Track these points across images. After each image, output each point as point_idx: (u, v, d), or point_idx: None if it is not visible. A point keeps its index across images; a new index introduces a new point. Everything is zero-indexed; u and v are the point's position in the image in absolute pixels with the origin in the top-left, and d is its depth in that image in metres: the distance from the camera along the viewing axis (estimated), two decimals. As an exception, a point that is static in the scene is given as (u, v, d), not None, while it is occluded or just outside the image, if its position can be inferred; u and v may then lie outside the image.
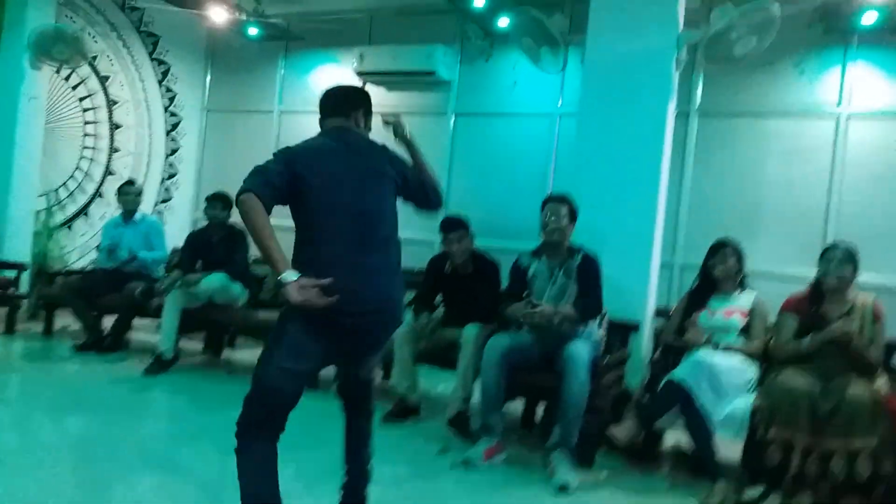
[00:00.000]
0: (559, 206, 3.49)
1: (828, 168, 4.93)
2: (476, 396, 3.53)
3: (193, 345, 5.26)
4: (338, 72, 6.56)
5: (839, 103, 4.92)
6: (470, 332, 3.69)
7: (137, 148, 6.67)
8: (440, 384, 4.38)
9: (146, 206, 6.70)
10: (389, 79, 6.24)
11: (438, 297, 4.20)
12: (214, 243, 4.91)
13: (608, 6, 3.94)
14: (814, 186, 4.96)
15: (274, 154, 2.18)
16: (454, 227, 4.00)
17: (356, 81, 6.39)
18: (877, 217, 4.76)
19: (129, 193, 5.28)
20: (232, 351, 5.48)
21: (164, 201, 6.96)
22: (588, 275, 3.47)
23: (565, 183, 5.45)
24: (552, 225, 3.46)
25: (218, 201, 4.93)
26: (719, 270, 3.61)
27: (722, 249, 3.64)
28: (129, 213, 5.28)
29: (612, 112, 3.97)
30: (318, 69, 6.71)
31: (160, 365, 4.49)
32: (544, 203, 3.55)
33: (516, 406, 3.95)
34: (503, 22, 5.22)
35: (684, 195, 5.24)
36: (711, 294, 3.65)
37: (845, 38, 4.82)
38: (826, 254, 3.38)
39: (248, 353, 5.33)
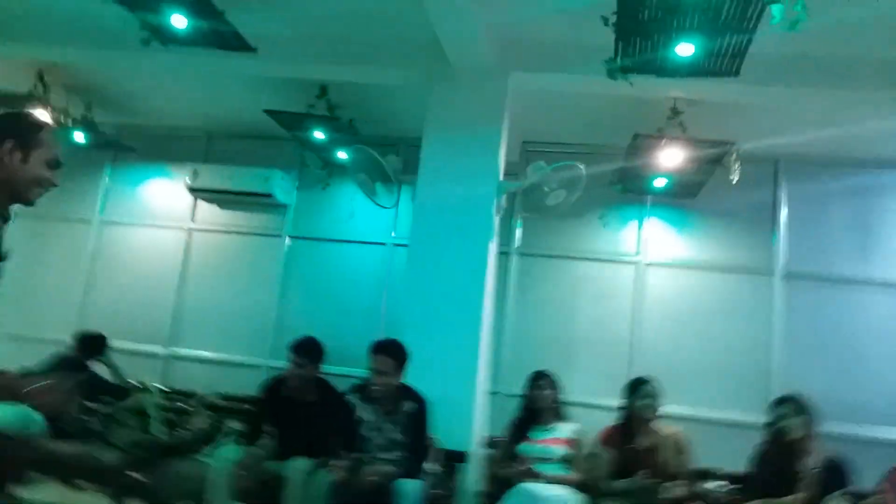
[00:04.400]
0: (384, 359, 3.47)
1: (630, 309, 5.45)
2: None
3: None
4: (169, 186, 6.38)
5: (637, 252, 5.54)
6: (298, 466, 3.49)
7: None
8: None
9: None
10: (224, 197, 6.16)
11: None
12: None
13: (437, 153, 4.23)
14: (619, 324, 5.43)
15: None
16: (299, 350, 3.91)
17: (188, 197, 6.27)
18: (673, 354, 5.27)
19: None
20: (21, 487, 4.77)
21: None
22: (415, 426, 3.48)
23: (396, 310, 5.57)
24: (376, 384, 3.46)
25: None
26: (538, 401, 3.82)
27: (539, 381, 3.89)
28: None
29: (440, 247, 4.17)
30: (148, 182, 6.48)
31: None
32: (370, 351, 3.53)
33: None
34: (342, 154, 5.42)
35: (507, 327, 5.51)
36: (533, 424, 3.82)
37: (641, 197, 5.52)
38: (639, 388, 3.72)
39: (42, 492, 4.66)
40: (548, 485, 3.43)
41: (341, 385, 4.27)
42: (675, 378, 4.97)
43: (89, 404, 5.02)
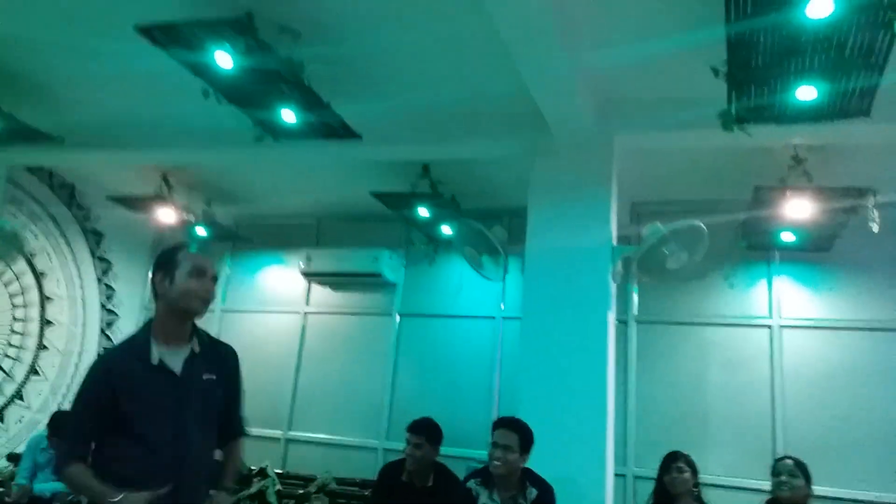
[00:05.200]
0: (508, 433, 3.20)
1: (767, 376, 4.99)
2: None
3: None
4: (284, 272, 6.61)
5: (770, 314, 5.10)
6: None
7: (67, 346, 6.36)
8: None
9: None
10: (335, 280, 6.31)
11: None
12: None
13: (544, 221, 4.10)
14: (756, 394, 4.98)
15: None
16: (417, 429, 3.84)
17: (302, 282, 6.46)
18: (822, 426, 4.75)
19: None
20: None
21: (89, 401, 6.50)
22: None
23: (511, 387, 5.37)
24: (497, 461, 3.17)
25: None
26: (675, 485, 3.51)
27: (675, 463, 3.59)
28: None
29: (554, 319, 3.96)
30: (264, 269, 6.74)
31: None
32: (493, 427, 3.31)
33: None
34: (446, 229, 5.42)
35: (630, 403, 5.18)
36: None
37: (768, 253, 5.13)
38: (775, 467, 3.40)
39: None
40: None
41: (456, 466, 4.10)
42: (828, 454, 4.52)
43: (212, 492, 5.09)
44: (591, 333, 3.89)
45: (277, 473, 5.17)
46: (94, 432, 2.16)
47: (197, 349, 2.29)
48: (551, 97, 3.73)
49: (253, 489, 4.83)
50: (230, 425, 2.39)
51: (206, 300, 2.25)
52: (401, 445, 4.00)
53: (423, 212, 5.22)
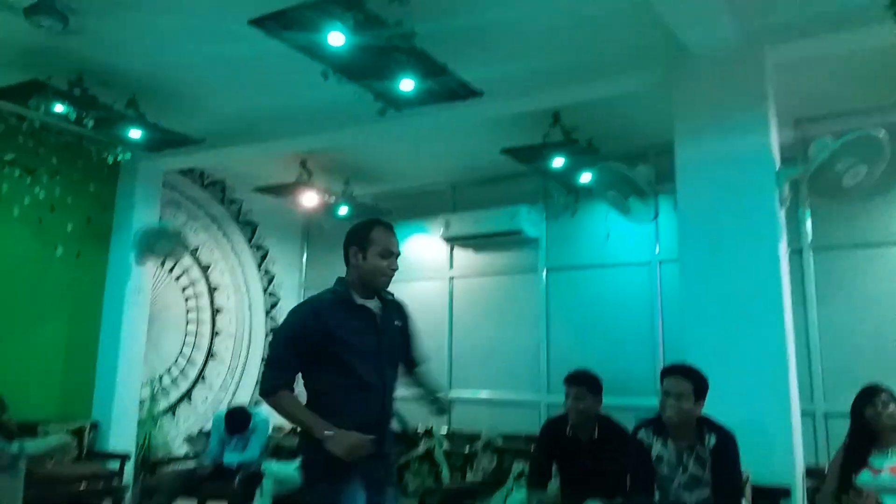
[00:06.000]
0: (680, 381, 2.98)
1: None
2: None
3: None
4: (425, 239, 6.66)
5: (972, 224, 4.43)
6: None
7: (238, 330, 6.84)
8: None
9: (246, 388, 6.78)
10: (476, 241, 6.28)
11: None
12: None
13: (695, 153, 3.75)
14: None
15: None
16: (575, 381, 3.69)
17: (444, 247, 6.47)
18: None
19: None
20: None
21: (264, 381, 6.99)
22: (723, 461, 2.96)
23: (674, 332, 5.09)
24: (670, 410, 2.98)
25: None
26: (878, 421, 3.18)
27: (874, 397, 3.25)
28: None
29: (717, 256, 3.66)
30: (407, 239, 6.82)
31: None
32: (662, 375, 3.10)
33: None
34: (586, 177, 5.15)
35: (813, 337, 4.75)
36: (871, 449, 3.21)
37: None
38: None
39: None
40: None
41: (623, 417, 3.93)
42: None
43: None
44: (761, 266, 3.56)
45: (443, 434, 5.25)
46: (299, 366, 2.42)
47: (381, 304, 2.56)
48: (685, 14, 3.38)
49: (421, 450, 4.93)
50: (418, 356, 2.71)
51: (391, 277, 2.52)
52: (563, 399, 3.88)
53: (558, 161, 4.99)
